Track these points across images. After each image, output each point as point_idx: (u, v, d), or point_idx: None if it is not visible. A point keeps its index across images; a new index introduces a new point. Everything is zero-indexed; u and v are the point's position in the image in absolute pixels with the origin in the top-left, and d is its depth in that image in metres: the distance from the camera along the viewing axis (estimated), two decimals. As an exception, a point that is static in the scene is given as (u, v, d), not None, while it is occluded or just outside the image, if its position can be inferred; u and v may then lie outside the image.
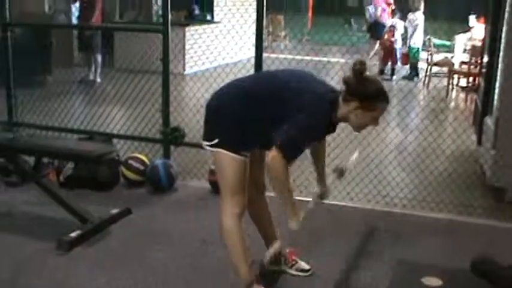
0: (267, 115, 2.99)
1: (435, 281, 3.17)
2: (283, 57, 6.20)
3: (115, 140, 5.64)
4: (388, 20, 12.11)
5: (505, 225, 4.45)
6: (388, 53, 11.57)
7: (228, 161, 3.03)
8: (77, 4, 10.65)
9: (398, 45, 11.61)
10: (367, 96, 2.92)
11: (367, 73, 2.93)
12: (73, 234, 3.88)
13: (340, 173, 3.66)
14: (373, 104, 2.94)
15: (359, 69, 2.89)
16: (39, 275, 3.51)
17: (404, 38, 11.68)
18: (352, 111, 2.94)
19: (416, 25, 11.11)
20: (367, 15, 14.03)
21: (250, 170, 3.13)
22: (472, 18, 11.94)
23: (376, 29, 12.34)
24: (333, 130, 3.14)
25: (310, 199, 3.38)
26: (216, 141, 3.03)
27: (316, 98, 2.96)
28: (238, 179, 3.06)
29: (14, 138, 4.58)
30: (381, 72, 11.56)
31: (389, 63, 11.64)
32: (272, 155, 2.87)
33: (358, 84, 2.91)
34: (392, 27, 11.69)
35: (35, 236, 3.99)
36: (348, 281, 3.59)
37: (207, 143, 3.09)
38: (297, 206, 3.04)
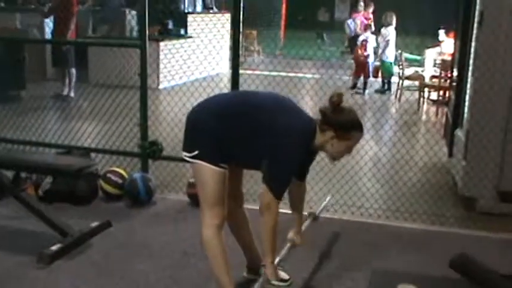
0: (241, 134, 3.09)
1: (410, 288, 3.25)
2: (258, 73, 6.23)
3: (92, 154, 5.66)
4: (362, 34, 12.28)
5: (476, 234, 4.57)
6: (361, 67, 11.72)
7: (208, 173, 3.10)
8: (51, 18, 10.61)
9: (370, 59, 11.77)
10: (342, 126, 3.05)
11: (343, 104, 3.07)
12: (54, 248, 3.90)
13: (314, 217, 3.90)
14: (348, 134, 3.07)
15: (336, 100, 3.04)
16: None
17: (376, 52, 11.85)
18: (329, 141, 3.07)
19: (388, 40, 11.29)
20: (347, 30, 14.18)
21: (229, 182, 3.20)
22: (441, 33, 12.17)
23: (356, 43, 12.49)
24: (313, 158, 3.28)
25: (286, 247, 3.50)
26: (195, 153, 3.10)
27: (295, 127, 3.07)
28: (218, 191, 3.13)
29: (-8, 152, 4.59)
30: (354, 86, 11.70)
31: (362, 77, 11.79)
32: (265, 198, 3.02)
33: (334, 115, 3.04)
34: (365, 42, 11.86)
35: (15, 250, 4.00)
36: (326, 289, 3.67)
37: (187, 154, 3.16)
38: (275, 254, 3.20)
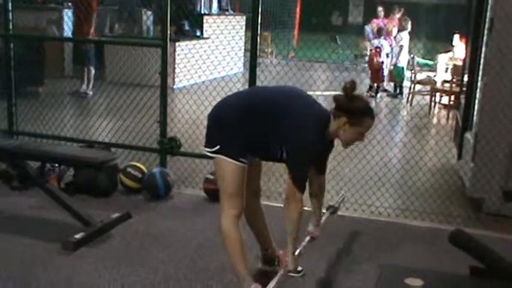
0: (261, 128, 3.26)
1: (417, 282, 3.39)
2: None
3: (112, 149, 5.83)
4: (374, 40, 12.36)
5: (483, 233, 4.68)
6: (376, 73, 11.83)
7: (228, 167, 3.27)
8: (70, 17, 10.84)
9: (384, 64, 11.88)
10: (354, 112, 3.21)
11: (355, 92, 3.23)
12: (77, 236, 4.09)
13: (334, 210, 4.09)
14: (360, 120, 3.23)
15: (349, 88, 3.21)
16: (48, 272, 3.72)
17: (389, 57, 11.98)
18: (341, 127, 3.24)
19: (402, 45, 11.40)
20: (366, 34, 14.20)
21: (248, 177, 3.37)
22: (456, 37, 12.24)
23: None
24: (331, 146, 3.43)
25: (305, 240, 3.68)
26: (217, 148, 3.28)
27: (311, 118, 3.25)
28: (237, 183, 3.29)
29: (20, 144, 4.77)
30: (370, 88, 11.80)
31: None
32: (291, 192, 3.22)
33: (347, 101, 3.21)
34: (378, 48, 11.98)
35: (41, 238, 4.19)
36: (337, 281, 3.83)
37: (208, 149, 3.34)
38: (296, 244, 3.39)
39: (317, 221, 3.69)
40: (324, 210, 3.94)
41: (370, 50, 12.38)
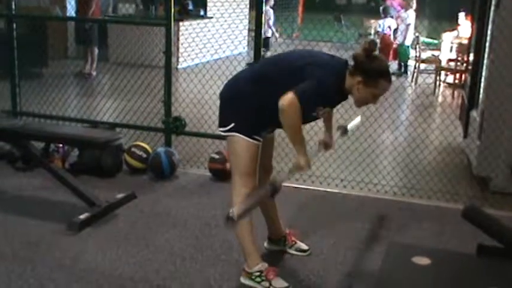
0: (279, 92, 3.08)
1: (424, 260, 3.37)
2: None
3: (117, 129, 5.82)
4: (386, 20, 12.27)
5: (490, 212, 4.64)
6: (387, 50, 11.76)
7: (243, 145, 3.23)
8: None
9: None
10: (371, 72, 3.11)
11: (376, 53, 3.16)
12: (82, 216, 4.08)
13: (344, 130, 3.83)
14: (375, 81, 3.13)
15: (368, 47, 3.12)
16: (53, 252, 3.72)
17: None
18: (355, 85, 3.14)
19: (409, 24, 11.31)
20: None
21: (261, 154, 3.33)
22: (461, 15, 12.14)
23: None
24: (345, 98, 3.30)
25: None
26: (231, 125, 3.23)
27: (326, 67, 3.15)
28: (251, 162, 3.26)
29: (24, 125, 4.75)
30: None
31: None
32: (286, 96, 2.99)
33: (366, 60, 3.11)
34: (388, 28, 11.90)
35: (46, 218, 4.19)
36: (343, 260, 3.80)
37: (223, 129, 3.29)
38: (305, 146, 3.19)
39: (329, 134, 3.60)
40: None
41: (376, 31, 12.32)
